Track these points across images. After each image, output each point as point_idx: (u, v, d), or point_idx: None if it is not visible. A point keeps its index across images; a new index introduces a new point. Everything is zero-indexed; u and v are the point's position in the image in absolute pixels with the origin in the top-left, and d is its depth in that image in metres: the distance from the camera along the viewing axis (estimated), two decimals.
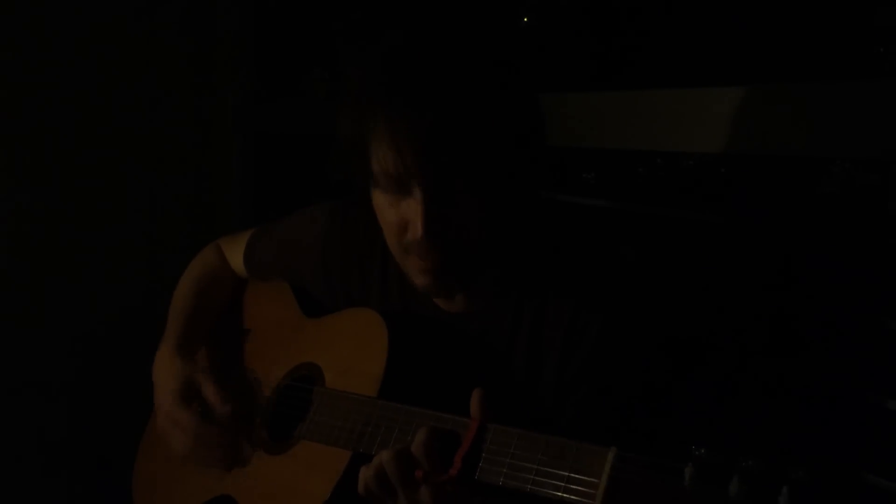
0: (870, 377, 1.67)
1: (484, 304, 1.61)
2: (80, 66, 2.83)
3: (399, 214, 1.46)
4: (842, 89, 1.68)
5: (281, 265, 1.90)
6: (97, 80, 2.87)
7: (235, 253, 2.01)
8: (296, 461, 1.65)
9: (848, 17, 1.74)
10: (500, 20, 1.52)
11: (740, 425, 1.80)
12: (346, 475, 1.52)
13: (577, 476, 1.19)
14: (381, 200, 1.49)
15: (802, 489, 0.98)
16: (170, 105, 3.04)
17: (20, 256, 2.78)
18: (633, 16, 2.09)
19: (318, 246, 1.80)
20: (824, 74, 1.76)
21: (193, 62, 3.08)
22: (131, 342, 2.57)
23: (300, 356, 1.78)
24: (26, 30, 2.73)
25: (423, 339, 1.61)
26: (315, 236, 1.80)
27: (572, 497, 1.18)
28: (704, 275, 1.92)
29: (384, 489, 1.37)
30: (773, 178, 1.84)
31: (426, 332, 1.62)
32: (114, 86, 2.91)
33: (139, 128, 2.98)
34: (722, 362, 1.86)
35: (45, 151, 2.81)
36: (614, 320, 1.51)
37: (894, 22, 1.69)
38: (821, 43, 1.77)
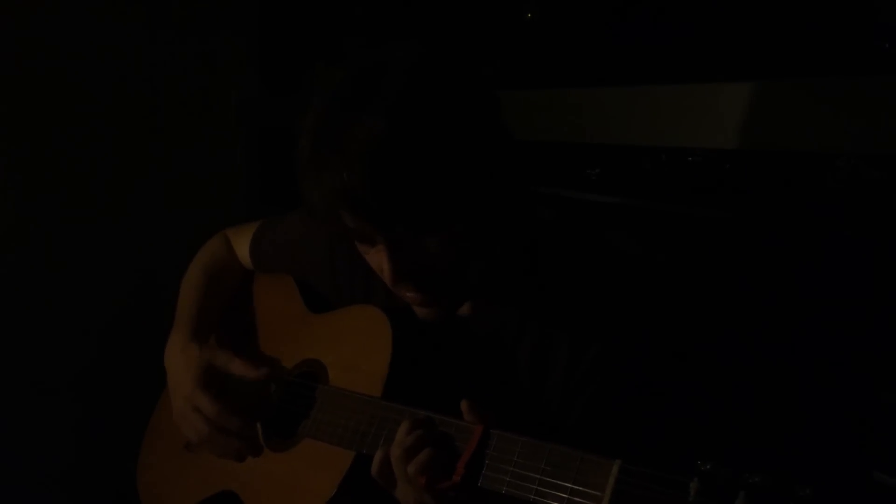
0: (876, 375, 1.67)
1: (489, 306, 1.61)
2: (83, 62, 2.82)
3: (375, 260, 1.48)
4: (847, 85, 1.68)
5: (286, 260, 1.90)
6: (101, 76, 2.86)
7: (242, 244, 2.00)
8: (299, 459, 1.65)
9: (853, 13, 1.73)
10: (471, 63, 1.45)
11: (747, 425, 1.80)
12: (350, 474, 1.52)
13: (581, 488, 1.19)
14: (359, 247, 1.51)
15: None
16: (175, 100, 3.03)
17: (24, 252, 2.78)
18: (637, 11, 2.08)
19: (324, 242, 1.79)
20: (829, 70, 1.75)
21: (198, 58, 3.06)
22: (136, 336, 2.58)
23: (304, 352, 1.78)
24: (29, 28, 2.71)
25: (427, 339, 1.60)
26: (321, 233, 1.79)
27: None
28: (710, 271, 1.92)
29: (387, 480, 1.41)
30: (779, 173, 1.83)
31: (431, 331, 1.62)
32: (118, 82, 2.90)
33: (144, 124, 2.98)
34: (730, 364, 1.86)
35: (50, 147, 2.80)
36: (620, 325, 1.51)
37: None
38: (826, 39, 1.76)
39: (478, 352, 1.60)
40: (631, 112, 2.00)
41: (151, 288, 2.88)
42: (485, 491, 1.30)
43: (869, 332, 1.69)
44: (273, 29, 3.16)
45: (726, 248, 1.90)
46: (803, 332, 1.77)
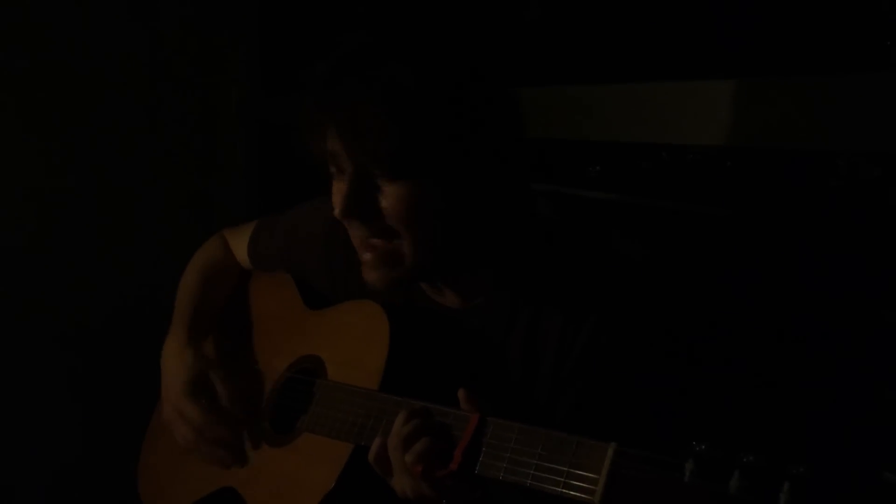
0: (872, 371, 1.66)
1: (482, 301, 1.61)
2: (84, 60, 2.83)
3: (337, 190, 1.51)
4: (848, 82, 1.68)
5: (284, 257, 1.90)
6: (102, 73, 2.87)
7: (239, 244, 2.01)
8: (299, 453, 1.66)
9: (854, 10, 1.73)
10: (457, 20, 1.51)
11: (741, 421, 1.79)
12: (349, 466, 1.52)
13: (576, 471, 1.19)
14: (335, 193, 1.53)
15: (804, 485, 0.98)
16: (175, 98, 3.04)
17: (25, 250, 2.79)
18: (637, 8, 2.08)
19: (320, 239, 1.80)
20: (830, 68, 1.75)
21: (198, 55, 3.07)
22: (136, 335, 2.58)
23: (302, 348, 1.79)
24: (30, 25, 2.73)
25: (424, 333, 1.61)
26: (318, 229, 1.80)
27: (572, 492, 1.19)
28: (708, 268, 1.92)
29: (384, 468, 1.42)
30: (778, 171, 1.83)
31: (427, 326, 1.62)
32: (119, 79, 2.91)
33: (144, 121, 2.99)
34: (724, 356, 1.86)
35: (51, 146, 2.81)
36: (610, 315, 1.51)
37: None
38: (827, 36, 1.76)
39: (472, 346, 1.61)
40: (632, 109, 2.01)
41: (151, 287, 2.88)
42: (482, 478, 1.31)
43: (868, 331, 1.68)
44: (273, 27, 3.17)
45: (726, 245, 1.89)
46: (803, 330, 1.76)
